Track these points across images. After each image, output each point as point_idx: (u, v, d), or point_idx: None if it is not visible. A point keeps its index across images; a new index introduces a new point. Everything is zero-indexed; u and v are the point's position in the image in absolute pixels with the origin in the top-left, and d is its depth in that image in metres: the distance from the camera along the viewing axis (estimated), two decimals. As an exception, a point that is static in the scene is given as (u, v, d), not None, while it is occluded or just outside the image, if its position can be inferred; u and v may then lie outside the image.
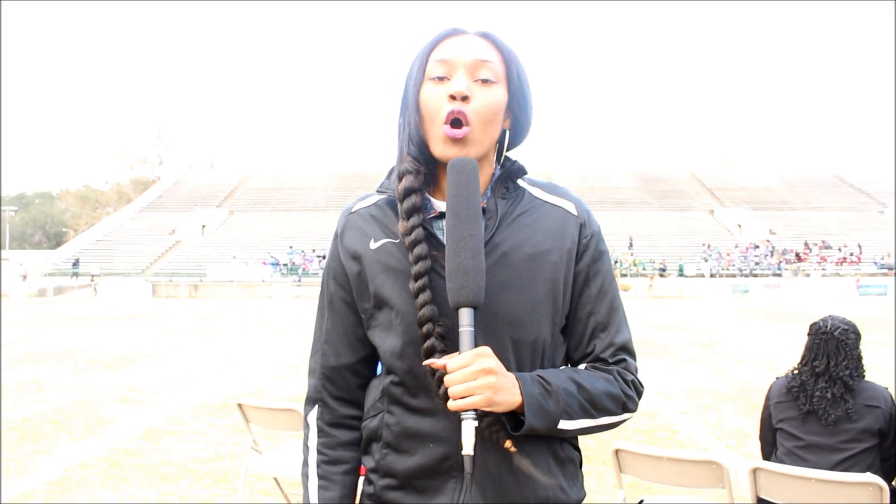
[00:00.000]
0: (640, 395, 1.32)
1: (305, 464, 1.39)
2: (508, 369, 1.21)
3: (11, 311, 24.25)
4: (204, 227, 49.49)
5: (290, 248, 43.02)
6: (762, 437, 3.22)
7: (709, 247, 42.01)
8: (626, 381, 1.29)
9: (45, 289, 37.67)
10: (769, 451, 3.14)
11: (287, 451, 4.35)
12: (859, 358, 2.92)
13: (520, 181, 1.36)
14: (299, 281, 38.20)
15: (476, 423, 1.12)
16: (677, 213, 50.69)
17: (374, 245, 1.30)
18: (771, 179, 58.52)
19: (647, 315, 21.45)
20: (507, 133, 1.34)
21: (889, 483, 2.66)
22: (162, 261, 43.49)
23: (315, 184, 59.10)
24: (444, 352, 1.19)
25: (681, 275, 38.82)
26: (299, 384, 8.89)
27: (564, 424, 1.22)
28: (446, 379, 1.12)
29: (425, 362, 1.18)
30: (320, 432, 1.37)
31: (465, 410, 1.11)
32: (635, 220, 48.06)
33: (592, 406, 1.24)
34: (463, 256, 1.15)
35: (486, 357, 1.13)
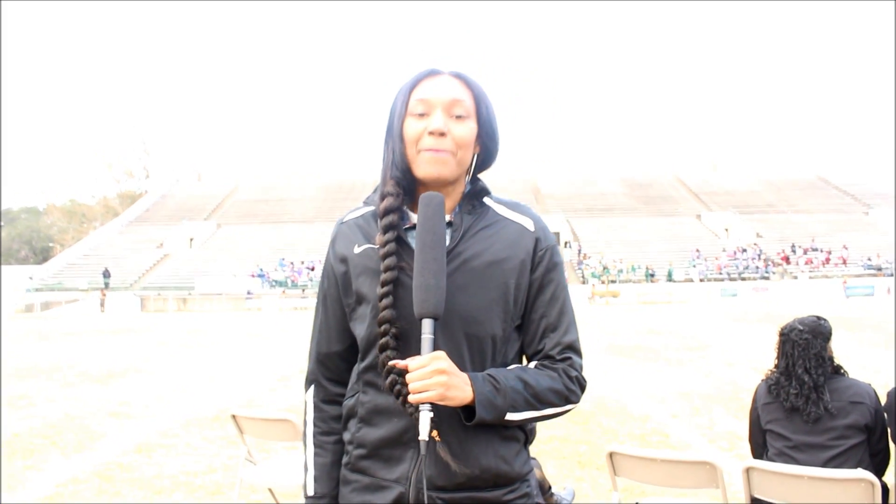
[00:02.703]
0: (583, 389, 1.52)
1: (304, 435, 1.64)
2: (463, 362, 1.43)
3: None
4: (192, 239, 49.20)
5: (282, 260, 42.87)
6: (752, 440, 3.26)
7: (697, 251, 42.21)
8: (569, 378, 1.50)
9: (32, 304, 37.31)
10: (760, 454, 3.18)
11: (281, 461, 4.34)
12: (819, 357, 2.96)
13: (486, 200, 1.58)
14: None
15: (431, 415, 1.33)
16: (664, 218, 50.86)
17: (357, 250, 1.53)
18: (756, 183, 58.83)
19: (637, 321, 21.53)
20: (476, 158, 1.56)
21: (879, 478, 2.70)
22: (150, 274, 43.19)
23: (303, 195, 58.94)
24: (395, 349, 1.42)
25: (670, 280, 38.99)
26: (291, 396, 8.87)
27: (511, 416, 1.43)
28: (408, 377, 1.35)
29: (391, 362, 1.40)
30: (316, 408, 1.62)
31: (422, 403, 1.32)
32: (623, 226, 48.22)
33: (537, 400, 1.45)
34: (426, 276, 1.37)
35: (440, 360, 1.34)
